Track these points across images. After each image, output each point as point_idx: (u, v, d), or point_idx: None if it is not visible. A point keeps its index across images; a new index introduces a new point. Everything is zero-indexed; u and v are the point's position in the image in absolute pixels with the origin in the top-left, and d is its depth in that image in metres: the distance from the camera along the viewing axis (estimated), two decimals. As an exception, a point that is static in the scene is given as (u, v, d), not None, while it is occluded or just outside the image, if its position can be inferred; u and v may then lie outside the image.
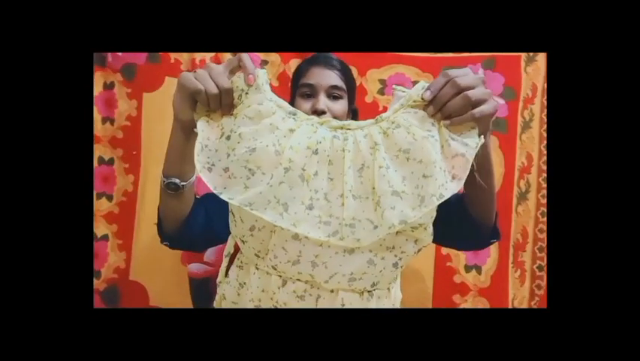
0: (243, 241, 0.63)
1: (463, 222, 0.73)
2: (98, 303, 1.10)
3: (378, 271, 0.60)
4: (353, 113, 0.96)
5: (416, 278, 1.15)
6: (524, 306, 1.16)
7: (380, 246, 0.58)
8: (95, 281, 1.11)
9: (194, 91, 0.59)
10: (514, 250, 1.17)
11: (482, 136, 0.57)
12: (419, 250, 0.61)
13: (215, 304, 0.75)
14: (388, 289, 0.65)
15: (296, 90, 0.92)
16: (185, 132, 0.65)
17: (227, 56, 1.15)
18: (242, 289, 0.68)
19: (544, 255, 1.17)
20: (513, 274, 1.16)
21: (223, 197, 0.56)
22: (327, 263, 0.58)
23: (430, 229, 0.59)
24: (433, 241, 0.67)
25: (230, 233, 0.68)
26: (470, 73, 0.57)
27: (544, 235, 1.17)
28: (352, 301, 0.61)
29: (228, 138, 0.57)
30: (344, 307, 0.61)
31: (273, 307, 0.64)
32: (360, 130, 0.57)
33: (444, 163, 0.55)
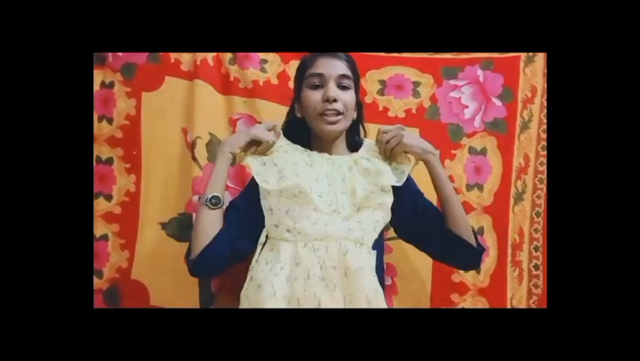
0: (276, 226, 0.89)
1: (445, 236, 0.92)
2: (99, 303, 1.10)
3: (363, 227, 0.88)
4: (358, 108, 0.97)
5: (414, 277, 1.15)
6: (523, 305, 1.16)
7: (362, 215, 0.88)
8: (97, 281, 1.10)
9: (264, 139, 0.90)
10: (512, 249, 1.18)
11: (417, 161, 0.94)
12: (385, 223, 0.92)
13: (245, 285, 0.88)
14: (369, 252, 0.88)
15: (302, 83, 0.93)
16: (231, 159, 0.91)
17: (227, 56, 1.15)
18: (266, 266, 0.86)
19: (539, 254, 1.18)
20: (512, 274, 1.17)
21: (279, 187, 0.87)
22: (334, 223, 0.87)
23: (389, 210, 0.91)
24: (437, 259, 1.00)
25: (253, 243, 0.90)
26: (393, 128, 0.92)
27: (539, 235, 1.18)
28: (349, 248, 0.84)
29: (276, 165, 0.91)
30: (345, 255, 0.83)
31: (295, 265, 0.84)
32: (342, 158, 0.94)
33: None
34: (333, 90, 0.88)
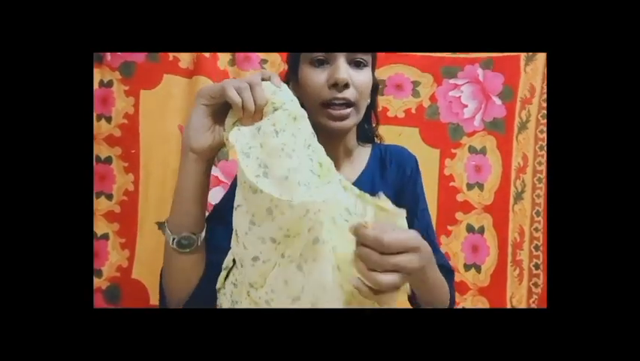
0: (241, 265, 0.57)
1: None
2: (100, 302, 1.10)
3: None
4: (374, 89, 0.72)
5: (414, 277, 1.15)
6: (523, 304, 1.16)
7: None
8: (97, 280, 1.11)
9: (230, 96, 0.54)
10: (513, 248, 1.18)
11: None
12: None
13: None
14: None
15: (297, 59, 0.68)
16: (201, 163, 0.56)
17: (226, 57, 1.15)
18: (235, 307, 0.61)
19: (540, 253, 1.18)
20: (512, 273, 1.17)
21: (284, 196, 0.50)
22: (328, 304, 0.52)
23: None
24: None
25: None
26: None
27: (539, 234, 1.18)
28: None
29: (277, 134, 0.53)
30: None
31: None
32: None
33: None
34: (343, 70, 0.62)
